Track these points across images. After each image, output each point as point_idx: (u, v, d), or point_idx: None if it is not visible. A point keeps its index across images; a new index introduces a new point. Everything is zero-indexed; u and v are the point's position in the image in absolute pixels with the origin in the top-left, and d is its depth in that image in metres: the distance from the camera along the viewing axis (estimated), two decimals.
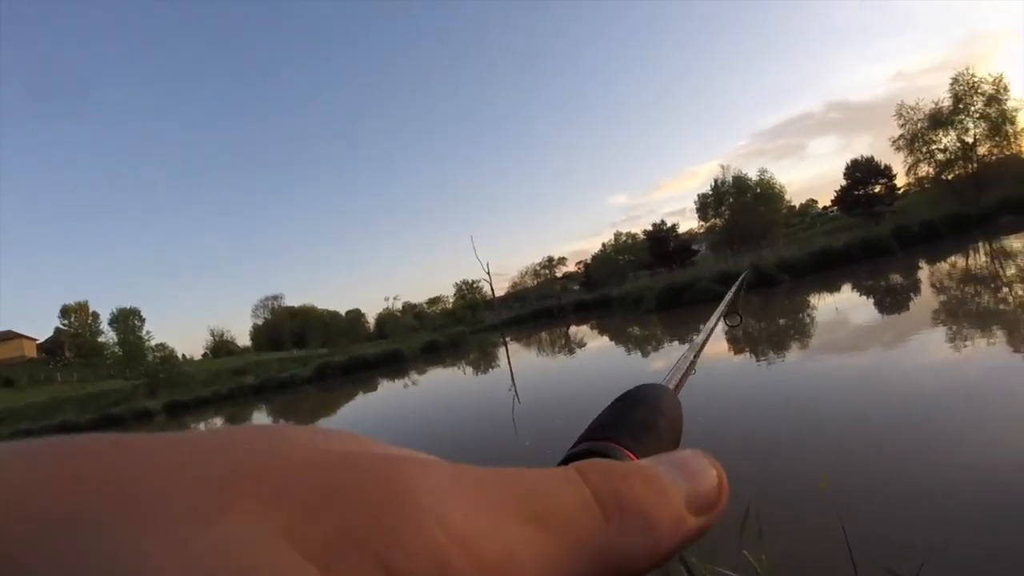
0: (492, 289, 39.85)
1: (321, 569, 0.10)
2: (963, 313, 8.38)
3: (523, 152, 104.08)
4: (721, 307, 0.79)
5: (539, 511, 0.14)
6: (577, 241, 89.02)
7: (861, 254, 18.24)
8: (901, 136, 32.60)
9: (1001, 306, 8.21)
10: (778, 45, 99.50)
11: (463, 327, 34.52)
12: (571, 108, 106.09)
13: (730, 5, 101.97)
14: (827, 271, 17.86)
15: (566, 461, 0.22)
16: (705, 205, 42.57)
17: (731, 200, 41.12)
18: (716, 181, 42.04)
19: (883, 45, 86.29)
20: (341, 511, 0.11)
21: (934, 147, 31.81)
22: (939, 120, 30.92)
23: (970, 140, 30.19)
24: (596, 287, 39.67)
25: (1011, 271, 11.09)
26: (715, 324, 0.68)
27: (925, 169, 32.50)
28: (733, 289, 1.05)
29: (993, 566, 2.21)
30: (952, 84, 30.74)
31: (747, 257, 23.36)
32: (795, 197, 53.37)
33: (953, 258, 14.86)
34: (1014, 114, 29.17)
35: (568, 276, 55.36)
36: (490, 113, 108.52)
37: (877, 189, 38.90)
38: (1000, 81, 29.48)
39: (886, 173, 38.44)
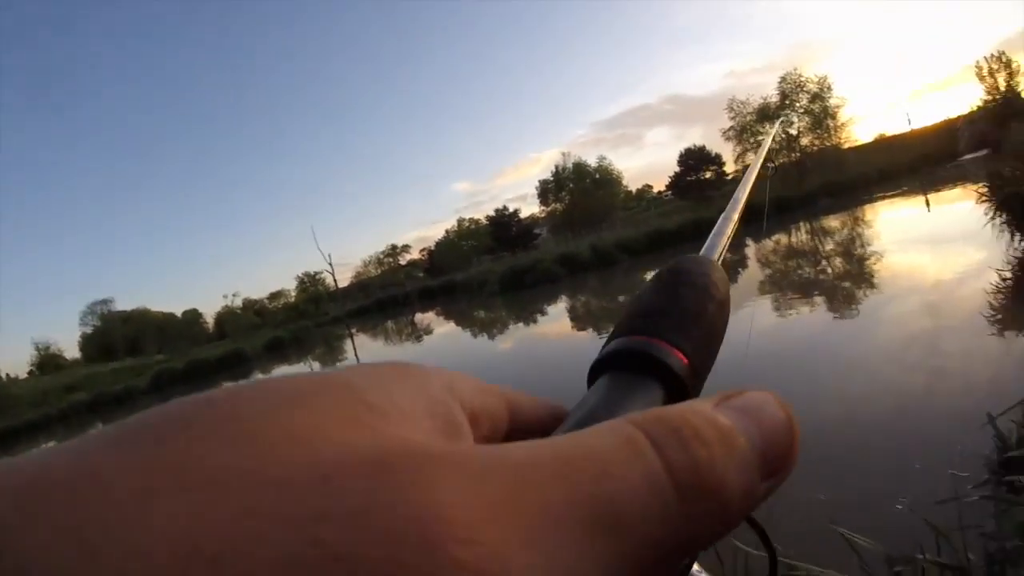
0: (335, 280, 39.73)
1: None
2: (787, 283, 9.21)
3: (363, 141, 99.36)
4: (762, 152, 0.58)
5: (604, 508, 0.11)
6: (420, 228, 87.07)
7: (693, 234, 18.88)
8: (731, 128, 35.63)
9: (820, 276, 9.13)
10: (622, 42, 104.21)
11: (307, 321, 33.47)
12: (411, 97, 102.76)
13: (578, 2, 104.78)
14: (663, 250, 18.58)
15: (602, 362, 0.20)
16: (546, 191, 43.45)
17: (571, 186, 42.34)
18: (557, 168, 43.09)
19: (720, 46, 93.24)
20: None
21: (761, 138, 34.98)
22: (766, 114, 34.15)
23: (794, 132, 33.36)
24: (441, 273, 39.17)
25: (829, 246, 12.26)
26: (757, 168, 0.50)
27: (752, 157, 35.23)
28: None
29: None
30: (780, 82, 34.27)
31: (587, 239, 24.26)
32: (632, 182, 56.73)
33: (777, 236, 15.67)
34: (835, 110, 32.46)
35: (412, 264, 54.37)
36: (325, 100, 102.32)
37: (708, 175, 41.34)
38: (824, 81, 33.12)
39: (716, 161, 41.10)
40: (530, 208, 52.02)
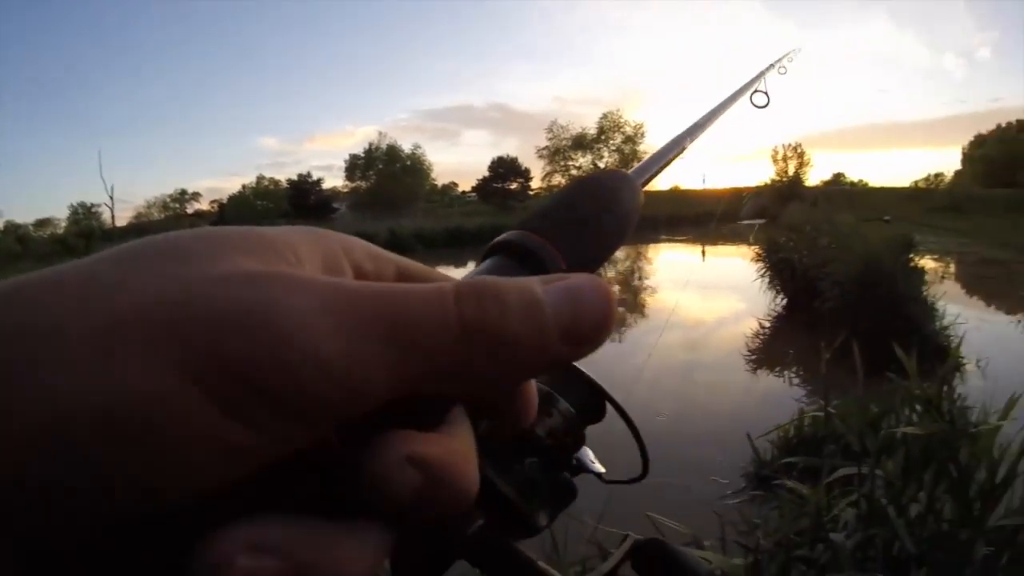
0: (113, 216, 36.25)
1: (200, 391, 0.13)
2: None
3: (170, 60, 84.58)
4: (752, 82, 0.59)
5: (399, 330, 0.14)
6: (216, 178, 77.09)
7: (491, 236, 18.87)
8: (546, 148, 38.74)
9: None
10: (465, 39, 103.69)
11: (74, 258, 28.86)
12: (234, 25, 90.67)
13: None
14: (461, 247, 19.09)
15: (491, 248, 0.24)
16: (355, 166, 42.91)
17: (380, 167, 42.08)
18: (370, 145, 42.79)
19: (556, 70, 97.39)
20: (214, 343, 0.13)
21: (571, 163, 38.74)
22: (581, 143, 37.86)
23: (602, 165, 36.87)
24: None
25: (610, 274, 12.75)
26: (736, 100, 0.51)
27: (559, 179, 38.95)
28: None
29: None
30: (601, 118, 38.31)
31: (386, 223, 24.20)
32: (440, 177, 56.69)
33: None
34: (643, 155, 37.13)
35: (199, 214, 49.54)
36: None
37: (513, 186, 43.40)
38: (640, 127, 38.16)
39: (524, 175, 43.51)
40: (334, 181, 50.22)
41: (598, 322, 0.17)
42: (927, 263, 12.93)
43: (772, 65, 0.68)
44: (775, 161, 41.26)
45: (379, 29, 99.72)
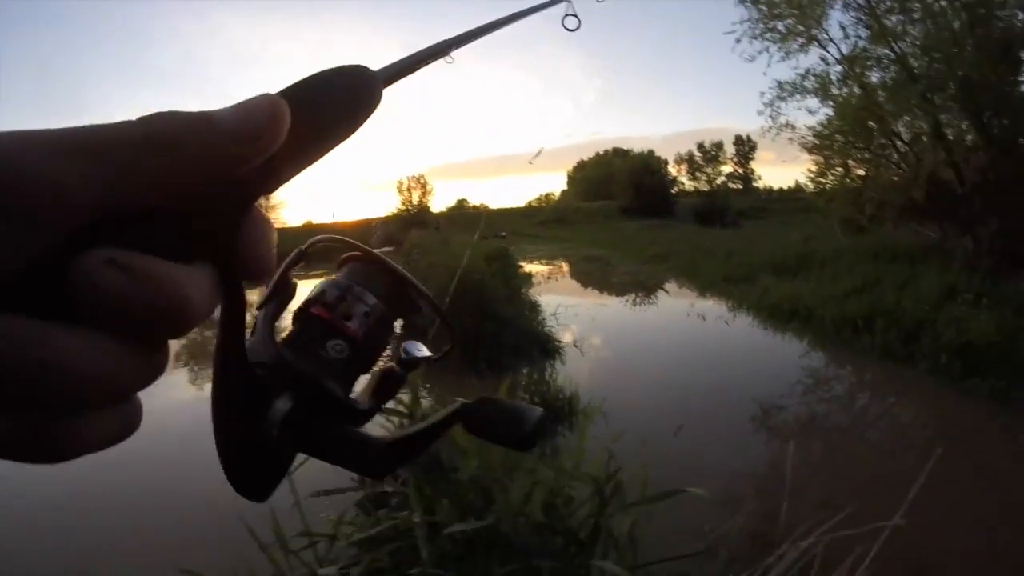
0: None
1: None
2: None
3: None
4: None
5: (92, 148, 0.18)
6: None
7: None
8: None
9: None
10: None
11: None
12: None
13: None
14: None
15: None
16: None
17: None
18: None
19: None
20: None
21: None
22: None
23: None
24: None
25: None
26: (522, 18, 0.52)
27: None
28: None
29: None
30: None
31: None
32: None
33: None
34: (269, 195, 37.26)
35: None
36: None
37: None
38: None
39: None
40: None
41: (261, 124, 0.21)
42: (538, 268, 16.04)
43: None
44: (400, 192, 45.14)
45: None
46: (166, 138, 0.19)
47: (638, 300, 11.17)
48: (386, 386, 0.38)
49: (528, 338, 6.69)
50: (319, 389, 0.30)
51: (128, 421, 0.22)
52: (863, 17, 9.48)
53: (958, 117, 8.94)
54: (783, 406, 5.02)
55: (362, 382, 0.36)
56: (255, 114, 0.21)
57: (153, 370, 0.21)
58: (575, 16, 0.67)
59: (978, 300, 6.22)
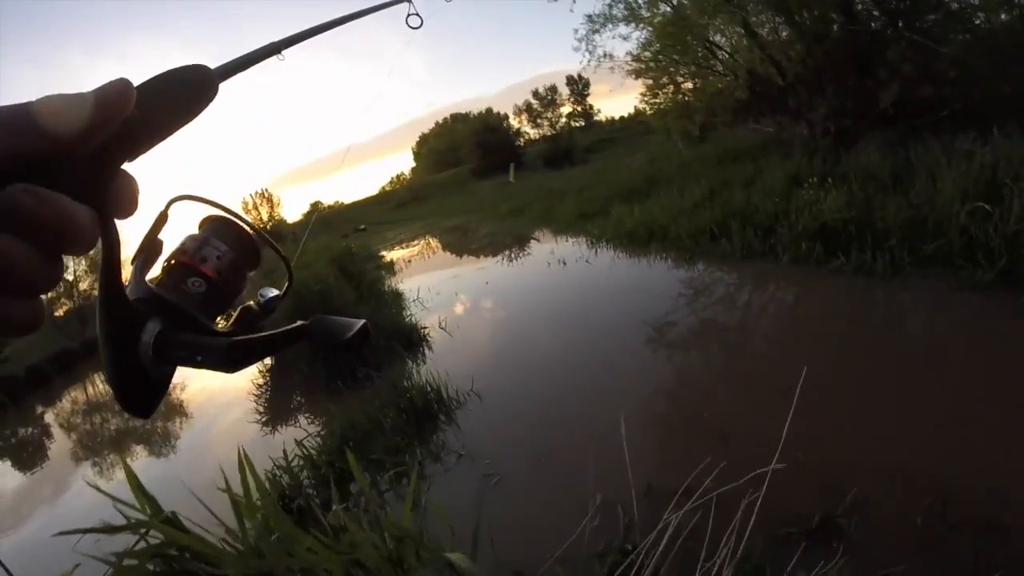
0: None
1: None
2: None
3: None
4: None
5: (5, 120, 0.27)
6: None
7: None
8: None
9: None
10: None
11: None
12: None
13: None
14: None
15: None
16: None
17: None
18: None
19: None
20: None
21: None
22: None
23: (71, 278, 30.79)
24: None
25: None
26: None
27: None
28: None
29: None
30: None
31: None
32: None
33: (72, 394, 13.71)
34: None
35: None
36: None
37: None
38: None
39: None
40: None
41: (109, 98, 0.30)
42: (400, 253, 15.50)
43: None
44: (248, 211, 43.08)
45: None
46: (46, 106, 0.28)
47: (501, 260, 10.75)
48: (244, 319, 0.46)
49: (391, 333, 6.25)
50: (180, 312, 0.40)
51: (36, 313, 0.30)
52: None
53: (768, 17, 9.22)
54: (662, 326, 4.75)
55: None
56: (111, 89, 0.30)
57: (54, 274, 0.30)
58: (418, 15, 0.85)
59: (823, 182, 6.35)
